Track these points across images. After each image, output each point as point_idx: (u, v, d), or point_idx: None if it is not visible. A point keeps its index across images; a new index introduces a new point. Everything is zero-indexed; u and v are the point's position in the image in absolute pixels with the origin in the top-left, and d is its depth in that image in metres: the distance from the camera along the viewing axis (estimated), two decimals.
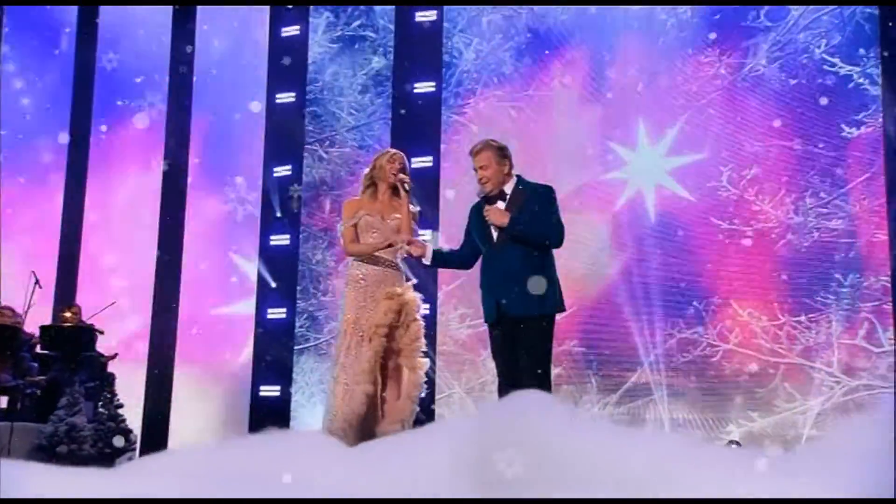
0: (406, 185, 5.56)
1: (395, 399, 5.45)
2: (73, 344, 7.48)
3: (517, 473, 1.40)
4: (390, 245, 5.49)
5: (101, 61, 10.68)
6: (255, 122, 10.20)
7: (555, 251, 4.94)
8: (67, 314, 7.98)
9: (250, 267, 10.16)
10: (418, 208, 5.78)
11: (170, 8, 10.53)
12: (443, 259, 5.26)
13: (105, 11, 10.72)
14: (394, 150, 5.77)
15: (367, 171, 5.69)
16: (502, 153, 5.01)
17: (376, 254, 5.50)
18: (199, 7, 10.48)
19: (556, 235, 4.88)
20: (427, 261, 5.10)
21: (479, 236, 4.99)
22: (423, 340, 5.48)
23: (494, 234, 4.90)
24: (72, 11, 10.82)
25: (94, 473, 1.74)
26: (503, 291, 4.80)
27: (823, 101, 8.47)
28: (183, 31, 10.48)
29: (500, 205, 4.89)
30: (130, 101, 10.71)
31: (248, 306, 10.01)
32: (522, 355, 4.70)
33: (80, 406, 6.59)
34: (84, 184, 10.52)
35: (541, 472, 1.40)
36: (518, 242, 4.80)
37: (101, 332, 7.88)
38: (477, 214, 5.04)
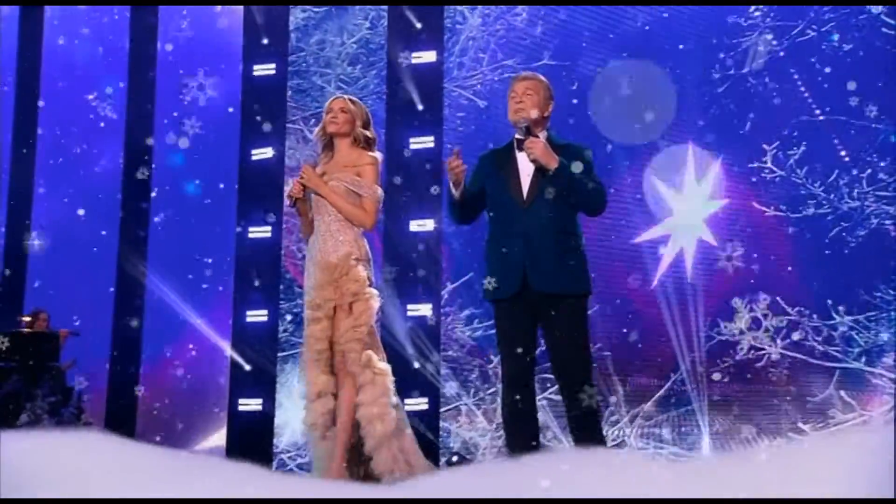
0: (300, 183, 5.15)
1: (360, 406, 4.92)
2: (33, 353, 6.99)
3: None
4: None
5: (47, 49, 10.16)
6: (230, 99, 9.69)
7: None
8: (27, 318, 7.48)
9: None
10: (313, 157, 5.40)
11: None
12: (468, 199, 4.61)
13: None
14: (334, 97, 5.41)
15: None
16: (549, 95, 4.62)
17: (319, 221, 5.10)
18: None
19: (602, 196, 4.45)
20: (458, 192, 4.53)
21: (500, 189, 4.47)
22: (365, 328, 4.87)
23: (525, 189, 4.41)
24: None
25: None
26: (533, 261, 4.30)
27: (882, 68, 8.04)
28: (143, 28, 9.96)
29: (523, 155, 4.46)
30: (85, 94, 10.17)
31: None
32: (559, 339, 4.23)
33: (42, 423, 6.13)
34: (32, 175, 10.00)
35: None
36: (559, 196, 4.29)
37: (77, 334, 7.38)
38: (496, 162, 4.57)
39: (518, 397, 4.28)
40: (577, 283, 4.34)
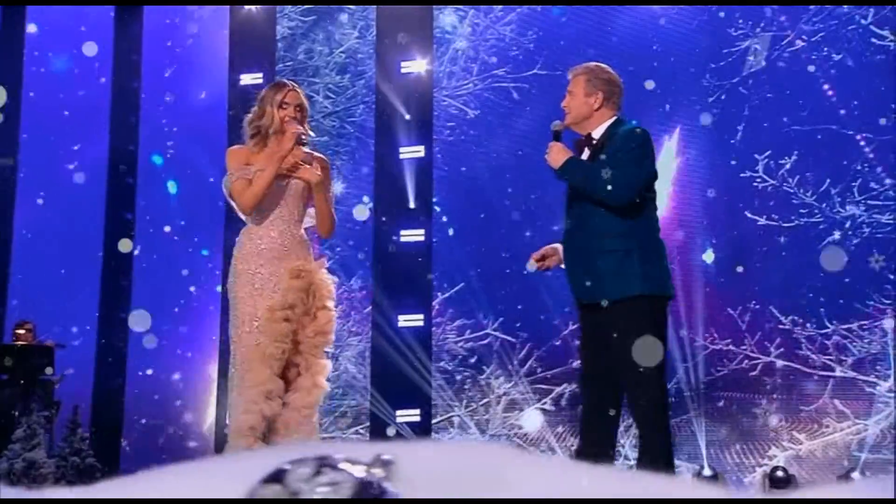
0: (304, 139, 4.60)
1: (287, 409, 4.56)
2: (26, 366, 6.84)
3: None
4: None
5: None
6: (217, 107, 9.63)
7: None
8: (20, 331, 7.35)
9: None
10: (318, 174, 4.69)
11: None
12: None
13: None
14: (284, 83, 4.80)
15: (251, 116, 4.69)
16: (594, 83, 4.22)
17: (274, 222, 4.60)
18: None
19: (608, 186, 4.03)
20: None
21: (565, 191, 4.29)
22: (332, 336, 4.62)
23: (569, 194, 4.24)
24: None
25: None
26: (574, 266, 4.15)
27: (872, 78, 8.14)
28: (127, 34, 9.89)
29: (585, 153, 4.18)
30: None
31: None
32: (618, 347, 3.99)
33: (38, 439, 5.96)
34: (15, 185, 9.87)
35: None
36: (588, 198, 4.10)
37: (63, 346, 7.26)
38: None
39: (588, 403, 4.15)
40: (614, 287, 4.05)
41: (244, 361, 4.52)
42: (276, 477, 1.20)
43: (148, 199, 9.79)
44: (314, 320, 4.60)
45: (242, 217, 4.72)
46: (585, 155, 4.21)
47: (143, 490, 1.38)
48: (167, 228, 9.63)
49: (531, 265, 4.36)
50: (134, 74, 9.85)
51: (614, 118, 4.26)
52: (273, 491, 1.18)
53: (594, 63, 4.33)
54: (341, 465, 1.20)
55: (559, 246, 4.31)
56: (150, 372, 9.44)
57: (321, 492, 1.17)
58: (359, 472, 1.20)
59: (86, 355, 9.17)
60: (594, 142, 4.20)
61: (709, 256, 8.32)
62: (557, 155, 4.16)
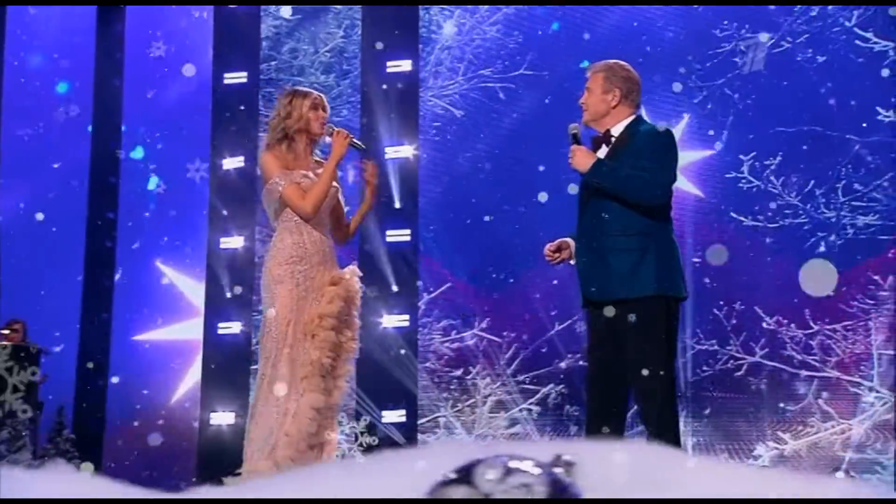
0: (357, 143, 4.77)
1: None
2: (11, 367, 6.75)
3: None
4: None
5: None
6: (200, 105, 9.57)
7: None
8: (6, 331, 7.28)
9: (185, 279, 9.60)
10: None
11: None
12: None
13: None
14: (308, 90, 4.83)
15: (278, 120, 4.69)
16: (612, 80, 4.21)
17: (314, 226, 4.66)
18: None
19: (642, 188, 4.05)
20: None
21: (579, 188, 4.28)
22: (358, 343, 4.73)
23: (584, 192, 4.24)
24: None
25: None
26: (588, 264, 4.14)
27: (856, 80, 8.20)
28: (109, 34, 9.81)
29: (603, 150, 4.19)
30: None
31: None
32: (629, 347, 3.97)
33: (23, 440, 5.90)
34: None
35: None
36: (606, 197, 4.09)
37: (47, 353, 7.20)
38: None
39: (595, 404, 4.13)
40: (629, 286, 4.03)
41: (294, 366, 4.53)
42: (463, 478, 1.20)
43: (130, 198, 9.72)
44: (348, 327, 4.67)
45: (274, 221, 4.74)
46: (603, 152, 4.21)
47: (311, 488, 1.37)
48: (149, 225, 9.59)
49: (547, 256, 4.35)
50: (116, 74, 9.77)
51: (634, 116, 4.27)
52: (462, 492, 1.17)
53: (613, 60, 4.34)
54: (523, 466, 1.19)
55: (571, 241, 4.29)
56: (133, 372, 9.40)
57: (515, 493, 1.17)
58: (541, 472, 1.20)
59: (68, 357, 9.10)
60: (612, 139, 4.19)
61: (694, 257, 8.34)
62: (584, 158, 4.15)
